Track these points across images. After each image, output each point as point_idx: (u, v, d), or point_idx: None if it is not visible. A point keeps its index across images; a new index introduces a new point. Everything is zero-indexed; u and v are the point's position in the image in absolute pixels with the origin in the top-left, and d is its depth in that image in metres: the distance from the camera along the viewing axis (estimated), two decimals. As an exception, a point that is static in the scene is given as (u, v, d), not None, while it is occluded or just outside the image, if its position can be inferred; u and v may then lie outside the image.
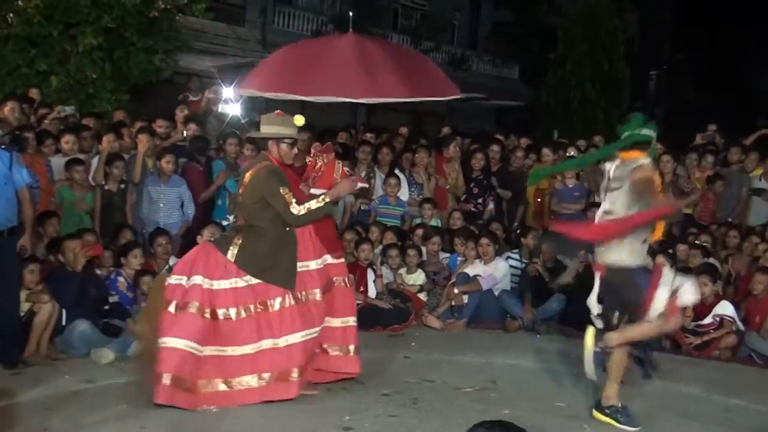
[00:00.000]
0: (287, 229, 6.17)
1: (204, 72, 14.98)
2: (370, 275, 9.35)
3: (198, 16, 15.70)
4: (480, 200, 11.01)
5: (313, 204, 6.10)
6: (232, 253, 6.09)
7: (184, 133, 10.09)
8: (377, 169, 10.69)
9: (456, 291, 9.33)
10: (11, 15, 12.52)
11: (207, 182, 9.83)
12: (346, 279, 6.72)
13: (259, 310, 6.05)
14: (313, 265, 6.34)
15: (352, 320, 6.65)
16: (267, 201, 6.08)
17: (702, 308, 8.57)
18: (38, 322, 7.06)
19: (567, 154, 11.69)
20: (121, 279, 8.01)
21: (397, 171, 10.70)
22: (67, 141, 9.05)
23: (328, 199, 6.18)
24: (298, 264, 6.22)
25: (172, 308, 5.91)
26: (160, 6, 13.69)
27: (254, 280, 6.07)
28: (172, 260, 8.52)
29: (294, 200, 6.02)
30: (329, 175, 6.77)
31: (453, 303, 9.34)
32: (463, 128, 17.57)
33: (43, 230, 8.09)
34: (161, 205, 9.27)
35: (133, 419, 5.62)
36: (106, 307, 7.71)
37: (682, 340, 8.45)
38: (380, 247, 9.77)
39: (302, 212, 6.03)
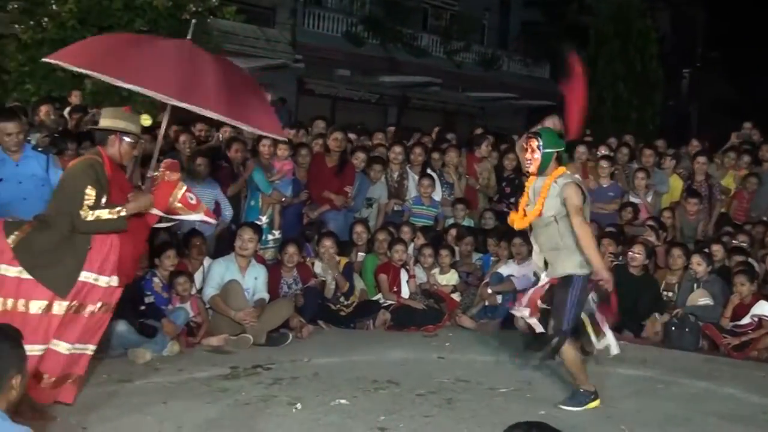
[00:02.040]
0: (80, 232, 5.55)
1: (235, 74, 15.00)
2: (404, 276, 9.34)
3: (229, 18, 15.86)
4: (512, 200, 10.96)
5: (105, 213, 5.48)
6: (14, 238, 5.43)
7: (220, 137, 10.14)
8: (409, 170, 10.68)
9: (489, 291, 9.30)
10: (46, 19, 12.69)
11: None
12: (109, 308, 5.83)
13: (20, 309, 5.39)
14: (102, 280, 5.61)
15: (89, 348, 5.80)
16: (68, 195, 5.54)
17: (740, 308, 8.49)
18: (75, 323, 7.09)
19: (599, 153, 11.63)
20: (156, 280, 8.05)
21: (429, 171, 10.70)
22: (104, 144, 9.11)
23: (123, 213, 5.56)
24: (84, 273, 5.53)
25: None
26: (191, 9, 13.80)
27: (26, 274, 5.41)
28: (206, 261, 8.58)
29: (90, 204, 5.43)
30: (165, 194, 6.00)
31: (486, 303, 9.31)
32: (494, 128, 17.53)
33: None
34: (190, 205, 9.28)
35: (170, 419, 5.64)
36: (142, 308, 7.76)
37: (720, 341, 8.36)
38: (412, 246, 9.77)
39: (89, 218, 5.43)
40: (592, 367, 7.38)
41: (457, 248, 9.93)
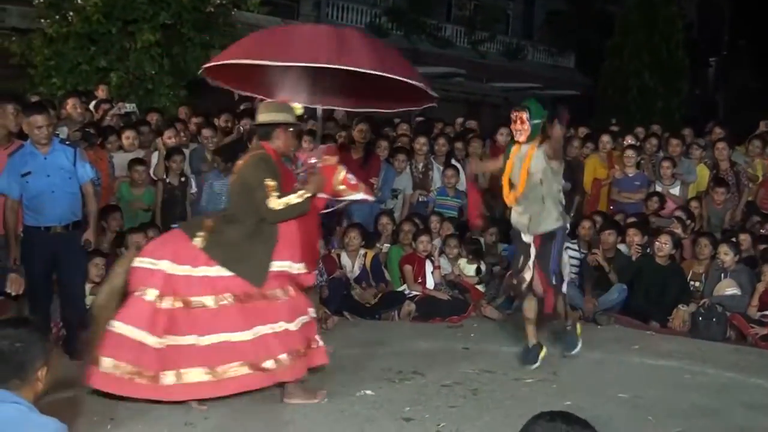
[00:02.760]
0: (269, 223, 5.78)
1: (260, 66, 15.04)
2: (428, 267, 9.34)
3: (253, 10, 15.86)
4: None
5: (293, 199, 5.72)
6: (200, 240, 5.66)
7: (241, 129, 10.17)
8: (434, 160, 10.66)
9: (515, 281, 9.26)
10: (71, 13, 12.77)
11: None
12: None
13: (238, 301, 5.67)
14: (295, 268, 5.90)
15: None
16: (249, 190, 5.74)
17: (767, 297, 8.42)
18: (104, 314, 7.15)
19: (625, 142, 11.56)
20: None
21: (454, 161, 10.67)
22: (128, 137, 9.21)
23: (307, 195, 5.83)
24: (276, 263, 5.78)
25: (136, 293, 5.59)
26: (215, 1, 13.84)
27: (225, 271, 5.65)
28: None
29: (276, 194, 5.65)
30: (328, 178, 6.41)
31: (512, 294, 9.28)
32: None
33: (106, 224, 8.25)
34: (224, 198, 9.33)
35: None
36: (168, 300, 7.79)
37: (748, 331, 8.29)
38: (438, 238, 9.75)
39: (279, 206, 5.65)
40: (618, 356, 7.38)
41: (482, 239, 9.90)
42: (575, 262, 9.53)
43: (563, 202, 7.26)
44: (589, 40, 27.59)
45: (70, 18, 12.82)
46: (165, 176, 9.08)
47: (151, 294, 5.55)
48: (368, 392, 6.18)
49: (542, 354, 7.08)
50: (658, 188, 10.63)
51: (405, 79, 6.62)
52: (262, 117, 6.02)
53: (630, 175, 10.67)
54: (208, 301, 5.62)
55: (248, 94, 8.00)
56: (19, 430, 2.85)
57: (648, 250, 9.34)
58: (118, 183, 8.94)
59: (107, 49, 12.90)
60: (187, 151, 9.53)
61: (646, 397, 6.22)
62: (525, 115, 6.88)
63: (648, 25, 22.11)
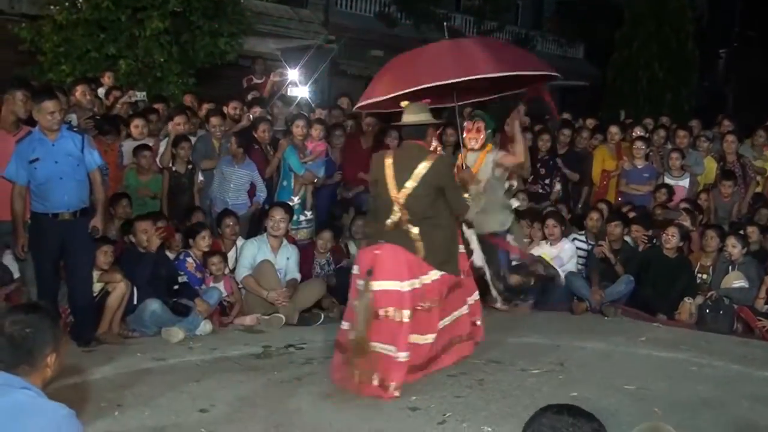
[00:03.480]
0: (454, 219, 6.41)
1: (268, 54, 15.06)
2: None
3: (262, -1, 15.81)
4: (547, 181, 10.92)
5: (468, 196, 6.54)
6: (418, 249, 6.08)
7: (250, 117, 10.17)
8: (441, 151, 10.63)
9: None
10: (80, 0, 12.75)
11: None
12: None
13: (450, 293, 6.35)
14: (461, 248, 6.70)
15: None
16: (442, 192, 6.11)
17: (775, 291, 8.41)
18: (112, 301, 7.19)
19: (633, 134, 11.52)
20: (189, 260, 8.12)
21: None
22: (137, 125, 9.20)
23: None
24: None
25: (404, 317, 5.89)
26: (225, -11, 13.82)
27: (438, 273, 6.16)
28: (239, 241, 8.63)
29: (465, 191, 6.30)
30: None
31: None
32: (529, 109, 17.36)
33: (114, 211, 8.26)
34: (231, 185, 9.34)
35: (203, 397, 5.71)
36: (176, 287, 7.83)
37: (755, 324, 8.27)
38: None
39: (470, 203, 6.39)
40: (624, 348, 7.38)
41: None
42: (582, 253, 9.54)
43: (511, 206, 8.12)
44: (599, 31, 27.46)
45: (79, 5, 12.80)
46: (171, 164, 9.07)
47: (406, 315, 5.89)
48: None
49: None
50: (667, 180, 10.61)
51: (529, 73, 7.20)
52: (416, 117, 6.23)
53: (639, 166, 10.65)
54: (435, 303, 6.11)
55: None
56: (29, 416, 2.86)
57: (655, 242, 9.32)
58: (125, 171, 8.94)
59: (116, 37, 12.88)
60: (193, 139, 9.51)
61: (652, 389, 6.21)
62: (482, 125, 7.67)
63: (658, 16, 21.99)
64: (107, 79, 11.03)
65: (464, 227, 7.32)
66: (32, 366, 3.01)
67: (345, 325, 6.11)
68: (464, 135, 7.77)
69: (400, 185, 6.04)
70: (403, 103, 6.30)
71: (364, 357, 5.80)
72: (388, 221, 6.11)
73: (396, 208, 6.05)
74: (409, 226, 6.06)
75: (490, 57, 6.86)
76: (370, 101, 7.20)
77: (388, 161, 6.14)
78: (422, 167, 5.98)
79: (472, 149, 7.76)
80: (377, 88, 7.19)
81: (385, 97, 6.87)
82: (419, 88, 6.63)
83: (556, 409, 2.41)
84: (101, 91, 10.48)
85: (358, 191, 10.10)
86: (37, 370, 3.02)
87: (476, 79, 6.89)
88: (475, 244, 7.50)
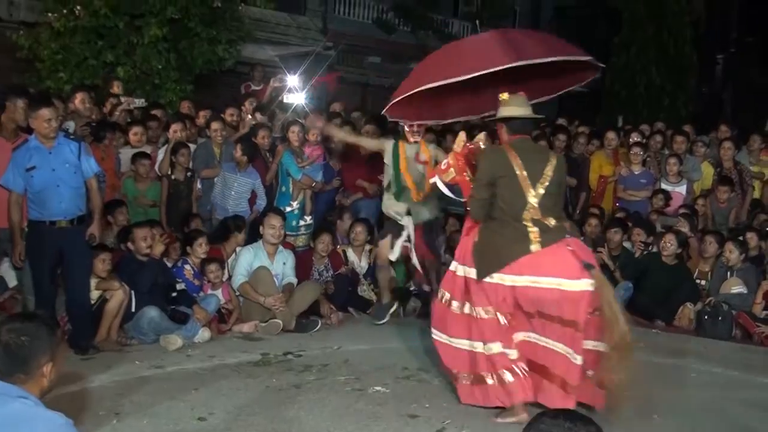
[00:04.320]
0: None
1: (266, 61, 15.05)
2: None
3: (260, 6, 15.84)
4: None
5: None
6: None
7: (250, 123, 10.18)
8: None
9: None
10: (78, 7, 12.75)
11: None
12: None
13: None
14: None
15: None
16: (563, 190, 6.06)
17: (774, 296, 8.42)
18: (110, 309, 7.19)
19: (630, 139, 11.53)
20: (187, 267, 8.12)
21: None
22: (135, 133, 9.21)
23: None
24: None
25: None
26: (223, -4, 13.84)
27: None
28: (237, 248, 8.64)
29: None
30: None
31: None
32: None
33: (112, 219, 8.25)
34: (233, 192, 9.33)
35: (201, 405, 5.69)
36: (174, 295, 7.83)
37: (753, 329, 8.28)
38: (442, 235, 9.74)
39: None
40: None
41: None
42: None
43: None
44: (597, 37, 27.49)
45: (77, 12, 12.80)
46: (169, 172, 9.07)
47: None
48: (373, 389, 6.18)
49: (392, 309, 8.41)
50: (664, 186, 10.61)
51: (578, 58, 6.56)
52: (523, 110, 5.79)
53: (636, 172, 10.65)
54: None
55: (430, 122, 8.69)
56: (26, 425, 2.85)
57: (652, 249, 9.32)
58: (123, 178, 8.94)
59: (114, 44, 12.88)
60: (192, 146, 9.51)
61: (651, 395, 6.20)
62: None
63: (656, 21, 22.02)
64: (116, 88, 11.05)
65: (405, 217, 7.97)
66: (28, 375, 3.00)
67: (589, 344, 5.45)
68: (406, 128, 7.94)
69: (534, 182, 5.57)
70: (503, 96, 5.79)
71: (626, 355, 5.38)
72: (524, 218, 5.55)
73: (531, 205, 5.55)
74: (553, 221, 5.60)
75: (539, 43, 6.43)
76: (407, 93, 6.60)
77: (514, 157, 5.59)
78: (551, 165, 5.64)
79: (415, 141, 7.99)
80: (408, 84, 6.68)
81: (426, 87, 6.36)
82: (459, 79, 6.13)
83: (553, 414, 2.43)
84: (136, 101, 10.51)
85: (356, 198, 10.10)
86: (32, 379, 3.01)
87: (515, 75, 6.34)
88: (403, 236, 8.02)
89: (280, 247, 8.47)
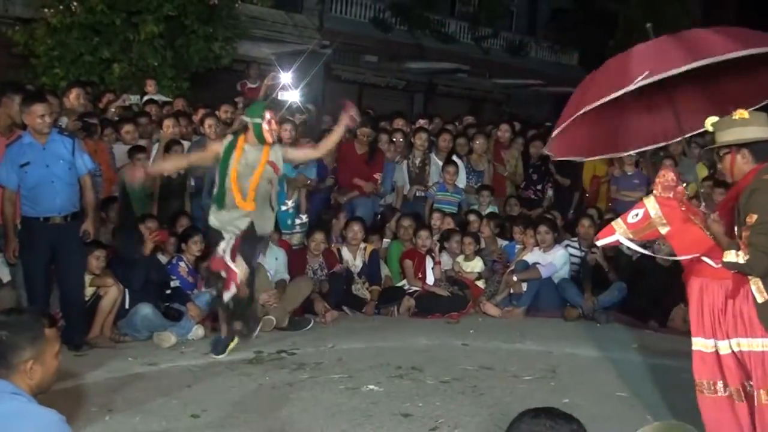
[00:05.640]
0: None
1: (263, 59, 15.08)
2: (429, 262, 9.34)
3: (257, 3, 15.84)
4: (539, 187, 10.95)
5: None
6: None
7: (243, 120, 10.16)
8: (433, 156, 10.66)
9: (515, 278, 9.26)
10: (75, 4, 12.76)
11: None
12: None
13: None
14: None
15: None
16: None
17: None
18: (104, 305, 7.18)
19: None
20: (182, 264, 8.11)
21: (455, 158, 10.67)
22: (128, 131, 9.22)
23: None
24: None
25: None
26: (219, -7, 13.85)
27: None
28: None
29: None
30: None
31: (512, 291, 9.27)
32: (522, 115, 17.45)
33: (106, 215, 8.24)
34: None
35: (195, 402, 5.69)
36: (168, 292, 7.82)
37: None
38: (438, 234, 9.76)
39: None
40: (616, 355, 7.37)
41: (481, 235, 9.92)
42: (575, 260, 9.53)
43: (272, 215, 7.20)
44: (593, 38, 27.50)
45: (73, 8, 12.81)
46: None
47: None
48: (366, 387, 6.18)
49: (233, 343, 7.06)
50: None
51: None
52: (755, 132, 4.57)
53: (629, 173, 10.66)
54: None
55: (605, 156, 7.43)
56: (18, 421, 2.84)
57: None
58: (121, 172, 8.92)
59: (110, 40, 12.89)
60: (187, 144, 9.49)
61: (644, 396, 6.21)
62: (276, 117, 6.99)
63: (652, 23, 22.00)
64: (150, 87, 11.05)
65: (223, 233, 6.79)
66: (8, 370, 2.96)
67: None
68: (265, 127, 6.72)
69: None
70: (741, 113, 4.57)
71: None
72: None
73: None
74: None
75: (720, 36, 5.13)
76: (569, 120, 5.22)
77: None
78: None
79: (267, 143, 6.81)
80: (573, 107, 5.31)
81: (594, 105, 5.03)
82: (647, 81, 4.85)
83: (534, 413, 2.45)
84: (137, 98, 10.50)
85: (352, 196, 10.10)
86: (15, 374, 2.97)
87: (701, 84, 5.41)
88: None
89: (271, 244, 8.45)
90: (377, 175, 10.02)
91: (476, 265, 9.57)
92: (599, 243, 5.24)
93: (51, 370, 3.08)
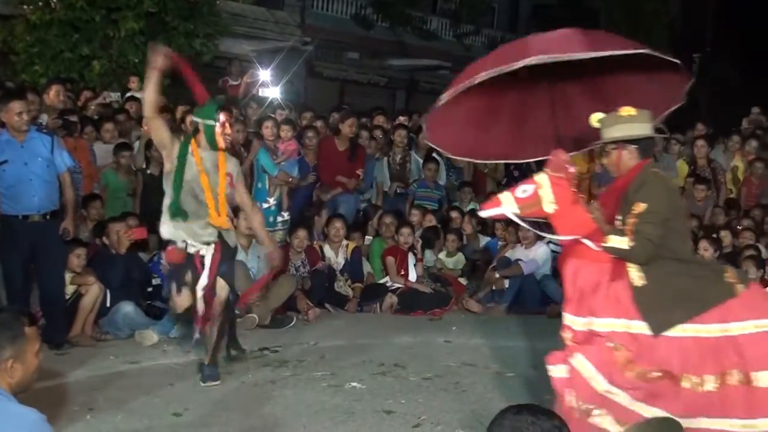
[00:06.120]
0: None
1: (244, 56, 15.04)
2: (411, 259, 9.35)
3: (238, 0, 15.78)
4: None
5: None
6: None
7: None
8: (413, 153, 10.67)
9: (497, 275, 9.28)
10: (54, 0, 12.67)
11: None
12: None
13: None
14: None
15: None
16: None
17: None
18: (85, 304, 7.15)
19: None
20: (163, 262, 8.06)
21: (435, 155, 10.68)
22: (107, 129, 9.20)
23: None
24: None
25: None
26: (200, -10, 13.80)
27: None
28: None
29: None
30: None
31: (494, 287, 9.30)
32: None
33: (86, 213, 8.20)
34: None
35: (177, 400, 5.68)
36: (149, 290, 7.79)
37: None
38: (420, 230, 9.77)
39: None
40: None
41: (463, 232, 9.95)
42: (558, 256, 9.55)
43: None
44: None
45: (53, 5, 12.74)
46: (144, 166, 9.02)
47: None
48: (349, 385, 6.18)
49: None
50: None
51: (667, 58, 5.41)
52: (650, 129, 4.81)
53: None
54: None
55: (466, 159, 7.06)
56: (-3, 420, 2.82)
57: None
58: (103, 171, 8.88)
59: (91, 37, 12.82)
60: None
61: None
62: (233, 119, 6.34)
63: (632, 21, 22.17)
64: (133, 83, 10.99)
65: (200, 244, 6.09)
66: None
67: None
68: (218, 130, 6.03)
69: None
70: (628, 110, 4.70)
71: None
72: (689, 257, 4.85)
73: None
74: None
75: (618, 39, 5.35)
76: (448, 97, 5.18)
77: (674, 186, 4.84)
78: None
79: (220, 148, 6.13)
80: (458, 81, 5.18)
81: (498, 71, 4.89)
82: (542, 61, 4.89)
83: (517, 410, 2.46)
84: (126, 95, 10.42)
85: (335, 194, 10.08)
86: None
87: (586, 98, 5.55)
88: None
89: (254, 242, 8.43)
90: (359, 171, 10.03)
91: (459, 261, 9.59)
92: (483, 214, 5.19)
93: (31, 368, 3.06)
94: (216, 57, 14.70)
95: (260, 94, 11.87)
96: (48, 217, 6.78)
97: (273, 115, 10.41)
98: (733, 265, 8.70)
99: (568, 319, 4.70)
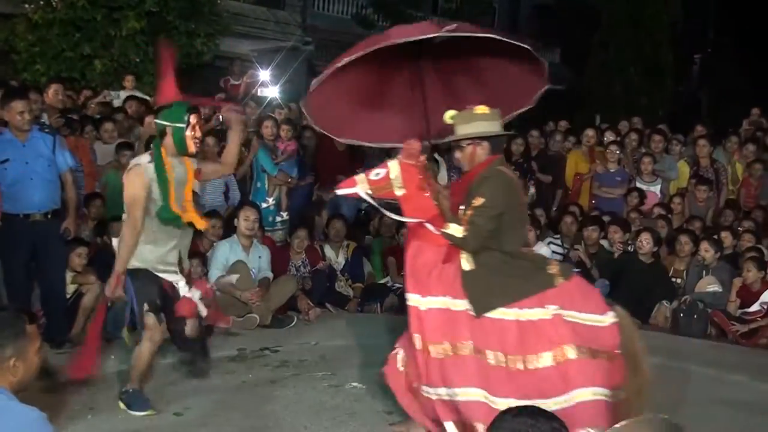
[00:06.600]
0: None
1: (245, 55, 15.04)
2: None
3: (239, 0, 15.79)
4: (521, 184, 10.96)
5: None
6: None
7: (221, 117, 10.14)
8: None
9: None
10: None
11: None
12: None
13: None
14: None
15: None
16: None
17: (748, 295, 8.47)
18: (86, 303, 7.14)
19: (605, 139, 11.56)
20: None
21: (436, 155, 10.66)
22: (107, 129, 9.18)
23: None
24: None
25: None
26: (202, -11, 13.81)
27: None
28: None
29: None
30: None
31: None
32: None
33: (88, 212, 8.20)
34: (207, 186, 9.25)
35: (177, 400, 5.68)
36: (150, 289, 7.76)
37: (728, 328, 8.34)
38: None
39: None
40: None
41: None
42: (558, 257, 9.55)
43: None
44: (575, 35, 27.60)
45: (54, 4, 12.75)
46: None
47: None
48: (350, 385, 6.18)
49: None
50: (638, 185, 10.68)
51: (517, 43, 5.51)
52: (500, 127, 5.09)
53: (611, 170, 10.71)
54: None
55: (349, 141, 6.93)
56: (-1, 419, 2.83)
57: (630, 248, 9.37)
58: (105, 169, 8.88)
59: (92, 36, 12.83)
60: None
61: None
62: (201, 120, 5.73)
63: (633, 21, 22.14)
64: (128, 82, 10.99)
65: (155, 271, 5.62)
66: None
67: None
68: (188, 133, 5.47)
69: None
70: (481, 108, 5.00)
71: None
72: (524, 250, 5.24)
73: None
74: None
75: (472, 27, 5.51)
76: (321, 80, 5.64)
77: (517, 184, 5.14)
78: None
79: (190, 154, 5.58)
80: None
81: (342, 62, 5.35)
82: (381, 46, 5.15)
83: (516, 412, 2.45)
84: (122, 94, 10.40)
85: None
86: None
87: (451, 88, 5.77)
88: None
89: (255, 242, 8.43)
90: (359, 170, 10.00)
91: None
92: (339, 192, 5.46)
93: (32, 367, 3.07)
94: (217, 56, 14.71)
95: (260, 93, 11.86)
96: (49, 216, 6.78)
97: (273, 115, 10.40)
98: (734, 267, 8.83)
99: (413, 299, 5.07)
